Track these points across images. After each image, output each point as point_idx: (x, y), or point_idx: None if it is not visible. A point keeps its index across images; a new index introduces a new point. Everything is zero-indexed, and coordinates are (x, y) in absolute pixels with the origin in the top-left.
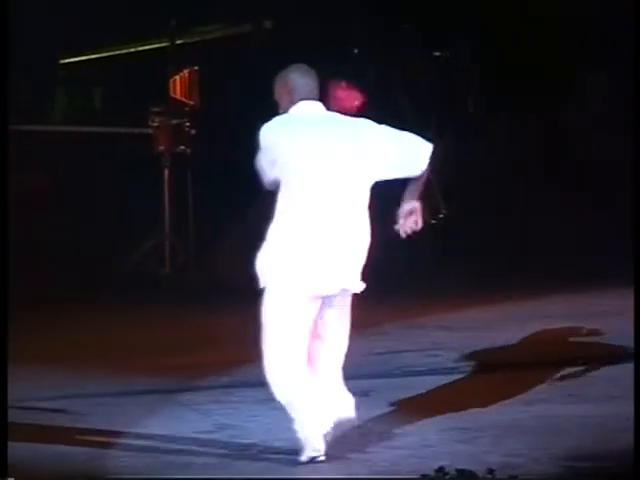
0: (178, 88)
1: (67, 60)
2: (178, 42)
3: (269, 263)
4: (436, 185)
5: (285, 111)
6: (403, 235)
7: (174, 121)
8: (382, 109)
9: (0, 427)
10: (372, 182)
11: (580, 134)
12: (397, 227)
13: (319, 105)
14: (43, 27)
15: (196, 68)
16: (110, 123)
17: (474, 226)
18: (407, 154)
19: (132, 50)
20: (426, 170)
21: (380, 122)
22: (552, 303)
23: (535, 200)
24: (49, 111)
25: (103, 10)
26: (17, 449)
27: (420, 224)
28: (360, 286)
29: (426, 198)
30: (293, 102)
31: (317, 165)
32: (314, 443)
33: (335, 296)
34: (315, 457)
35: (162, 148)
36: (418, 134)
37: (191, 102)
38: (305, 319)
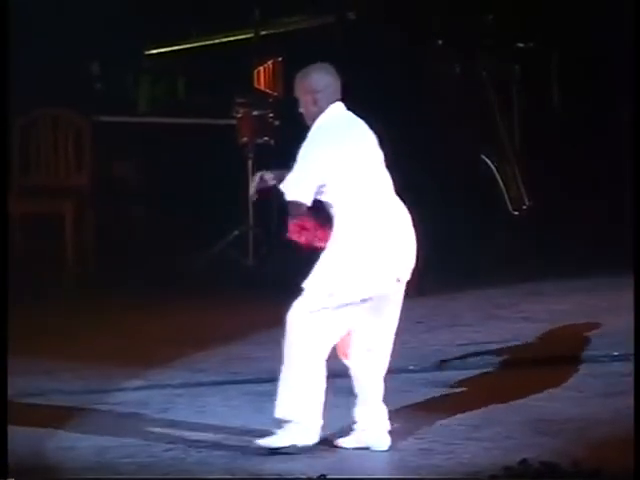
0: (262, 79)
1: (151, 51)
2: (262, 33)
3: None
4: (519, 177)
5: (312, 116)
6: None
7: (258, 112)
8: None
9: (0, 427)
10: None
11: None
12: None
13: (342, 106)
14: (128, 19)
15: (280, 59)
16: (194, 114)
17: (555, 217)
18: None
19: (216, 41)
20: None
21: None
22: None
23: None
24: (133, 102)
25: (187, 1)
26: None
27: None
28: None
29: (508, 190)
30: (320, 105)
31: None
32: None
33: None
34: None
35: (245, 139)
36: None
37: (275, 93)
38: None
